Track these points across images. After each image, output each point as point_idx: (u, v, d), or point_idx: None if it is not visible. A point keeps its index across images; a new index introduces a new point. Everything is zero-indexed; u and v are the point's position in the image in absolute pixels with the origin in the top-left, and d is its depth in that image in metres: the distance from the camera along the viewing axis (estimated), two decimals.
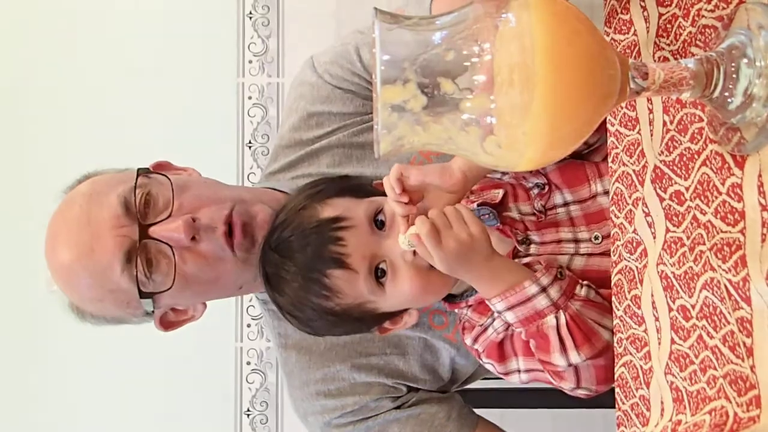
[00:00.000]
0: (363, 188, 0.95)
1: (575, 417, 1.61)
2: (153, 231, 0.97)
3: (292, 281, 0.90)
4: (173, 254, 0.97)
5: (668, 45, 0.69)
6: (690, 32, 0.66)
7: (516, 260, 0.93)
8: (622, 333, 0.77)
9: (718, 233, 0.60)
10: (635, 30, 0.76)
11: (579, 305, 0.86)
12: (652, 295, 0.71)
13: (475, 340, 0.95)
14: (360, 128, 1.13)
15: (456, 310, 0.99)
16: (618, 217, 0.79)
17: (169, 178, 1.01)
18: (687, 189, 0.65)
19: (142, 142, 1.82)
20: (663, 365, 0.68)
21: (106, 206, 0.98)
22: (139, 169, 1.02)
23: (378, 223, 0.90)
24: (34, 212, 1.02)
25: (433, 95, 0.52)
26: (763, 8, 0.55)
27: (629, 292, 0.76)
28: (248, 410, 1.90)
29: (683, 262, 0.65)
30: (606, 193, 0.93)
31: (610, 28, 0.80)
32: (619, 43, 0.78)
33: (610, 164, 0.81)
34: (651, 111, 0.72)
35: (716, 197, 0.60)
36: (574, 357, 0.85)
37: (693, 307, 0.63)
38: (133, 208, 0.98)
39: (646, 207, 0.72)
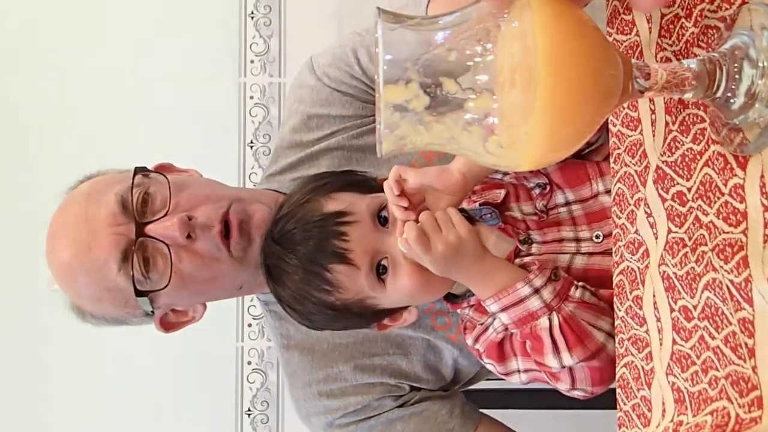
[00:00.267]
0: (367, 184, 0.95)
1: (576, 418, 1.61)
2: (149, 229, 0.97)
3: (293, 274, 0.89)
4: (170, 252, 0.98)
5: (671, 45, 0.69)
6: (692, 33, 0.66)
7: (517, 260, 0.93)
8: (623, 333, 0.77)
9: (720, 234, 0.60)
10: (637, 30, 0.76)
11: (573, 307, 0.85)
12: (654, 296, 0.71)
13: (476, 340, 0.95)
14: (359, 131, 1.13)
15: (458, 311, 0.99)
16: (620, 218, 0.79)
17: (167, 178, 1.01)
18: (689, 190, 0.65)
19: (143, 142, 1.82)
20: (664, 366, 0.68)
21: (104, 205, 0.99)
22: (136, 168, 1.02)
23: (381, 219, 0.90)
24: (38, 213, 1.03)
25: (436, 95, 0.52)
26: (766, 9, 0.55)
27: (631, 293, 0.76)
28: (249, 410, 1.89)
29: (685, 262, 0.65)
30: (607, 192, 0.93)
31: (613, 28, 0.80)
32: (622, 44, 0.78)
33: (612, 165, 0.81)
34: (653, 111, 0.72)
35: (718, 198, 0.60)
36: (567, 359, 0.85)
37: (695, 307, 0.63)
38: (131, 207, 0.98)
39: (648, 207, 0.72)
